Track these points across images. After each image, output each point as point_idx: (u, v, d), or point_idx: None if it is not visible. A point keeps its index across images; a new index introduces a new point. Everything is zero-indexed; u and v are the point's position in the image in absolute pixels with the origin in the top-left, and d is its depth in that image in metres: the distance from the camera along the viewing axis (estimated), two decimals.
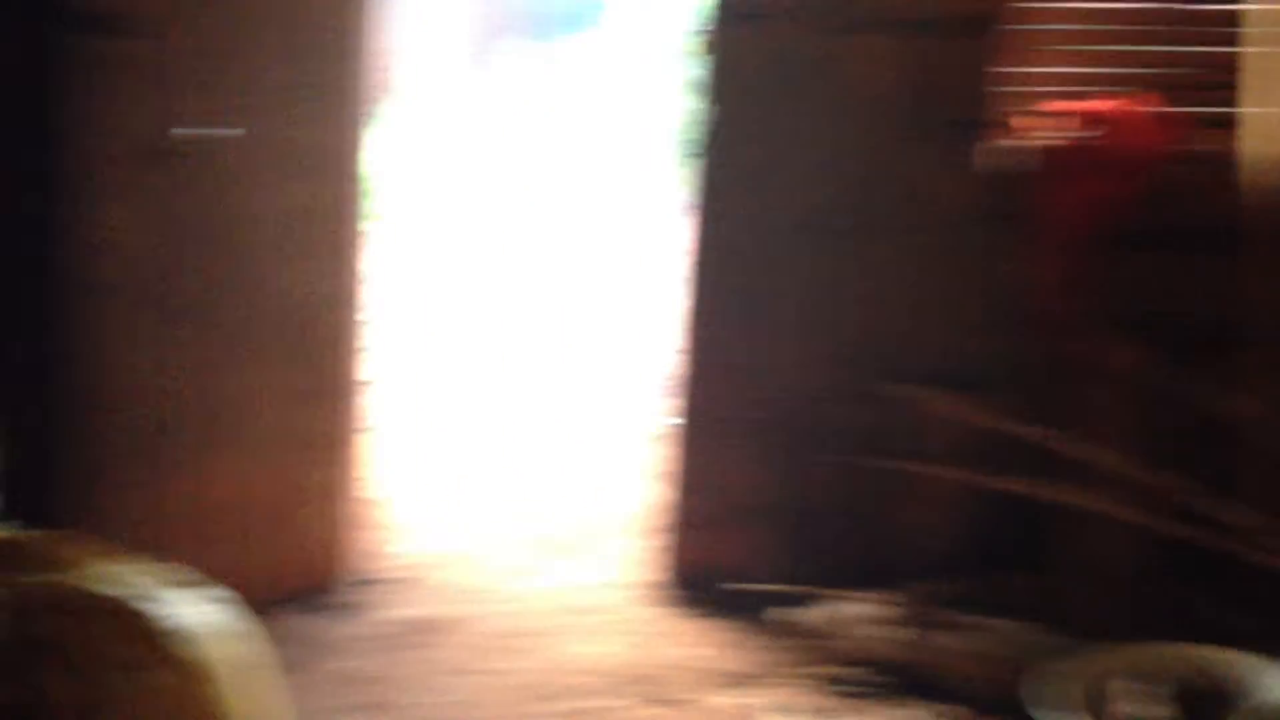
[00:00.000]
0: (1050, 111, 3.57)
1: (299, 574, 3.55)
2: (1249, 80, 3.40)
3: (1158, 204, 3.51)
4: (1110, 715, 2.71)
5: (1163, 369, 3.37)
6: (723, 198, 3.66)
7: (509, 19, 12.06)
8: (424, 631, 3.46)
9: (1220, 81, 3.50)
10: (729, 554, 3.68)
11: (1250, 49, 3.39)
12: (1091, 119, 3.50)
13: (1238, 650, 2.89)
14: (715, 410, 3.70)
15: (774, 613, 3.47)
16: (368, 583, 3.69)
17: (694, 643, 3.45)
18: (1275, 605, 3.12)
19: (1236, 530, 3.12)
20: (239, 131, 3.37)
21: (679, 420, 3.74)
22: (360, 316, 3.67)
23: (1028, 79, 3.66)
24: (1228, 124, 3.47)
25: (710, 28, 3.62)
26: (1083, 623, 3.23)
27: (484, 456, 4.92)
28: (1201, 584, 3.23)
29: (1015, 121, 3.62)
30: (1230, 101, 3.47)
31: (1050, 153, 3.51)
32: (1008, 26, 3.59)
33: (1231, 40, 3.46)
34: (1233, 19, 3.47)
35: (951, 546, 3.54)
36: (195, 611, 1.72)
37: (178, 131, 3.29)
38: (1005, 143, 3.60)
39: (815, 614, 3.44)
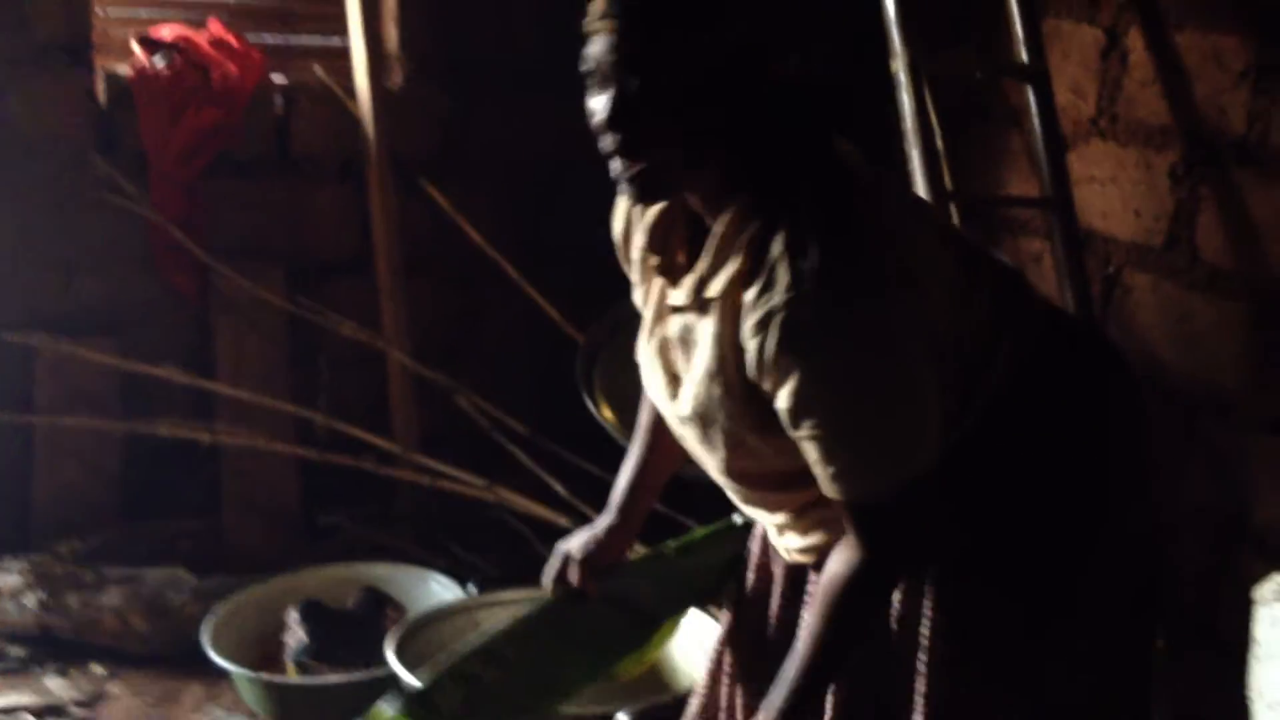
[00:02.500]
0: (149, 38, 3.45)
1: None
2: (352, 12, 3.52)
3: (271, 134, 3.59)
4: (286, 644, 2.83)
5: (292, 298, 3.49)
6: None
7: None
8: None
9: (324, 14, 3.64)
10: None
11: None
12: (173, 46, 3.42)
13: (390, 563, 3.16)
14: None
15: None
16: None
17: None
18: (421, 519, 3.43)
19: (379, 452, 3.36)
20: None
21: None
22: None
23: (133, 2, 3.55)
24: (336, 56, 3.61)
25: None
26: (244, 558, 3.32)
27: None
28: (350, 506, 3.45)
29: (121, 46, 3.46)
30: (336, 33, 3.59)
31: (147, 81, 3.40)
32: None
33: None
34: None
35: (99, 498, 3.41)
36: None
37: None
38: (111, 70, 3.44)
39: None
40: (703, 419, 1.68)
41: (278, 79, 3.62)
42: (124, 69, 3.45)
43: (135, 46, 3.46)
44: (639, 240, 1.76)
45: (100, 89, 3.43)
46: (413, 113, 3.65)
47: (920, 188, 2.71)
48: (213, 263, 3.44)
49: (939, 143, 2.84)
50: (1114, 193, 2.88)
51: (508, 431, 3.38)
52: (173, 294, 3.52)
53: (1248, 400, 2.59)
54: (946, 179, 2.79)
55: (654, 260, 1.73)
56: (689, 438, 1.75)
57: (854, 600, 1.65)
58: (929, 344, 1.56)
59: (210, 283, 3.49)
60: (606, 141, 1.56)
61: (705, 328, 1.63)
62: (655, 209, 1.72)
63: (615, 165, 1.58)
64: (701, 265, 1.62)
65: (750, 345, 1.55)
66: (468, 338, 3.76)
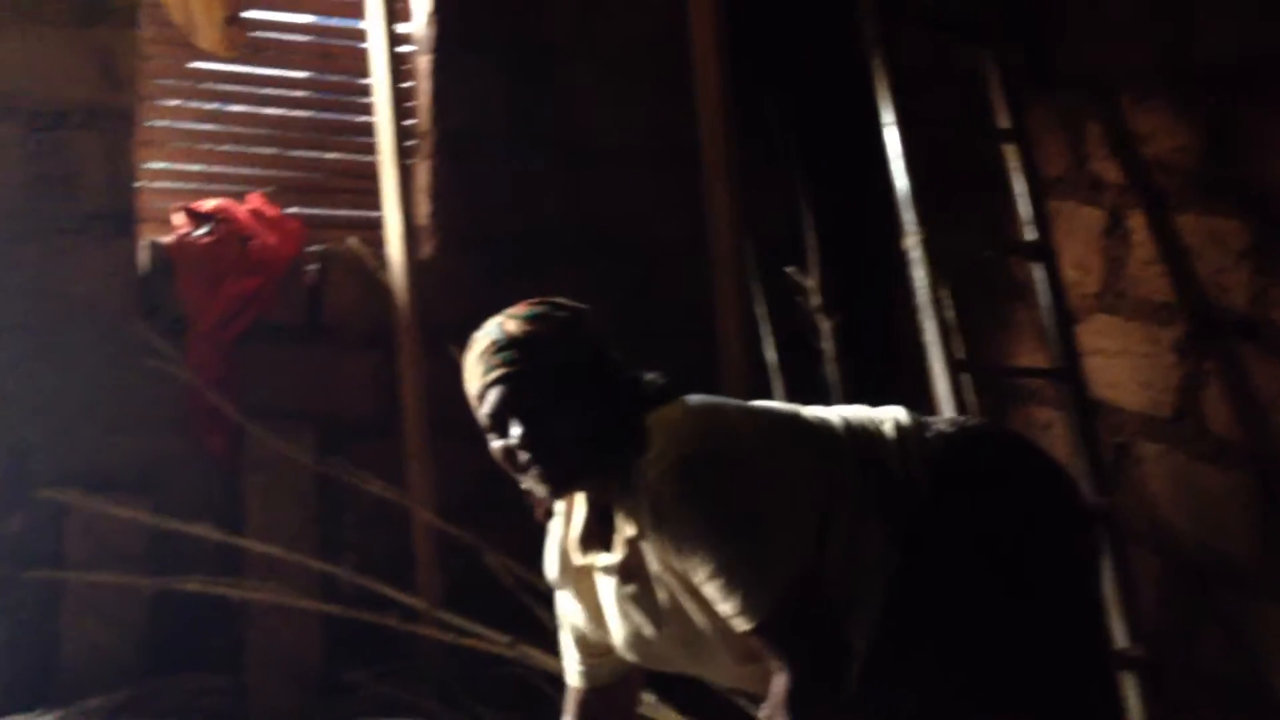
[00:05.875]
0: (192, 209, 3.63)
1: None
2: (382, 187, 3.69)
3: (303, 301, 3.74)
4: None
5: (321, 459, 3.58)
6: None
7: None
8: None
9: (361, 187, 3.82)
10: None
11: (386, 159, 3.70)
12: (214, 217, 3.60)
13: None
14: None
15: None
16: None
17: None
18: (445, 676, 3.45)
19: (405, 609, 3.40)
20: None
21: None
22: None
23: (177, 176, 3.73)
24: (370, 227, 3.78)
25: None
26: (267, 716, 3.34)
27: None
28: (374, 663, 3.47)
29: (164, 217, 3.64)
30: (371, 206, 3.76)
31: (186, 249, 3.57)
32: (151, 123, 3.63)
33: (371, 150, 3.77)
34: (368, 131, 3.78)
35: (126, 653, 3.43)
36: None
37: None
38: (154, 239, 3.59)
39: None
40: (693, 632, 1.94)
41: (313, 249, 3.77)
42: (166, 238, 3.60)
43: (178, 217, 3.62)
44: (573, 555, 2.07)
45: (143, 257, 3.57)
46: (442, 282, 3.79)
47: (934, 358, 2.81)
48: (245, 423, 3.53)
49: (950, 315, 2.95)
50: (1122, 365, 2.97)
51: (531, 589, 3.42)
52: (205, 453, 3.60)
53: (1259, 568, 2.63)
54: (958, 350, 2.89)
55: (587, 553, 2.03)
56: (688, 660, 2.01)
57: (799, 714, 1.82)
58: (773, 492, 1.89)
59: (241, 443, 3.58)
60: (521, 463, 1.93)
61: (650, 562, 1.94)
62: (577, 526, 2.05)
63: (532, 475, 1.94)
64: (619, 523, 1.97)
65: (651, 537, 1.89)
66: (492, 496, 3.82)
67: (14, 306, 3.40)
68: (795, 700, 1.82)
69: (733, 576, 1.84)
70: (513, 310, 1.97)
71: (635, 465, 1.91)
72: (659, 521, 1.88)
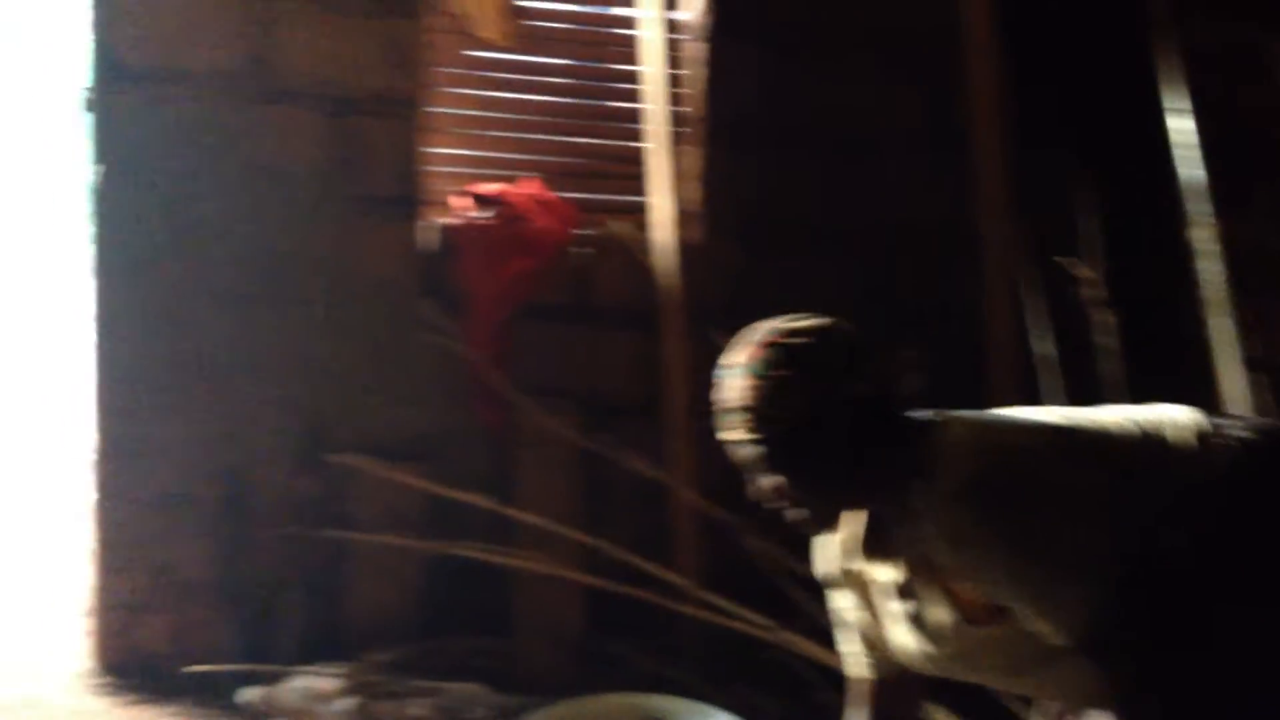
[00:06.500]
0: (471, 193, 3.78)
1: None
2: (650, 172, 3.79)
3: (574, 282, 3.86)
4: None
5: (587, 435, 3.70)
6: (125, 264, 3.51)
7: None
8: None
9: (629, 172, 3.90)
10: (174, 635, 3.54)
11: (652, 145, 3.78)
12: (497, 201, 3.75)
13: (673, 696, 3.24)
14: (139, 485, 3.54)
15: (238, 694, 3.36)
16: None
17: None
18: (704, 654, 3.51)
19: (665, 585, 3.48)
20: None
21: (100, 497, 3.54)
22: None
23: (458, 160, 3.88)
24: (637, 211, 3.86)
25: (92, 86, 3.48)
26: (533, 680, 3.47)
27: None
28: (636, 636, 3.57)
29: (446, 200, 3.80)
30: (638, 191, 3.85)
31: (467, 231, 3.73)
32: (434, 108, 3.79)
33: (637, 136, 3.87)
34: (637, 117, 3.88)
35: (405, 612, 3.64)
36: None
37: None
38: (436, 220, 3.76)
39: (268, 692, 3.36)
40: (972, 648, 1.91)
41: (583, 232, 3.89)
42: (448, 220, 3.77)
43: (461, 201, 3.78)
44: (847, 558, 2.05)
45: (427, 238, 3.75)
46: (707, 266, 3.85)
47: (1223, 356, 2.71)
48: (518, 399, 3.67)
49: (1238, 311, 2.84)
50: None
51: (792, 574, 3.44)
52: (478, 426, 3.76)
53: None
54: (1251, 347, 2.78)
55: (861, 559, 2.01)
56: (966, 670, 1.98)
57: None
58: (1070, 506, 1.82)
59: (514, 418, 3.72)
60: (781, 506, 1.91)
61: (930, 582, 1.91)
62: (852, 528, 2.01)
63: (792, 517, 1.92)
64: (897, 543, 1.94)
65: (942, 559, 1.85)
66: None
67: (311, 282, 3.63)
68: (1124, 714, 1.81)
69: (1044, 596, 1.82)
70: (776, 332, 1.88)
71: (913, 487, 1.88)
72: (956, 545, 1.84)
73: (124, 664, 3.52)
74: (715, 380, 1.92)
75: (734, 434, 1.89)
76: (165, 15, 3.50)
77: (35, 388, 6.35)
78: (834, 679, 2.77)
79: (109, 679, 3.51)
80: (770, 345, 1.87)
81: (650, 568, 3.48)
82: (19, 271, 8.47)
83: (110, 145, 3.49)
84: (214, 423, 3.58)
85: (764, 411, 1.85)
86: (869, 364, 1.89)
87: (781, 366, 1.85)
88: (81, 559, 3.60)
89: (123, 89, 3.47)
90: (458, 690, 3.35)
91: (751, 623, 3.33)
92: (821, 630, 3.27)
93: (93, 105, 3.47)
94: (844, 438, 1.86)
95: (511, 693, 3.35)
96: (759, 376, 1.86)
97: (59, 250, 7.78)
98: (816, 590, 3.37)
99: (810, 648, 3.22)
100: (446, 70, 3.88)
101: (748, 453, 1.88)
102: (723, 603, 3.39)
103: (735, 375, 1.89)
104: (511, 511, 3.58)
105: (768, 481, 1.89)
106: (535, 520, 3.54)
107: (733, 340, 1.94)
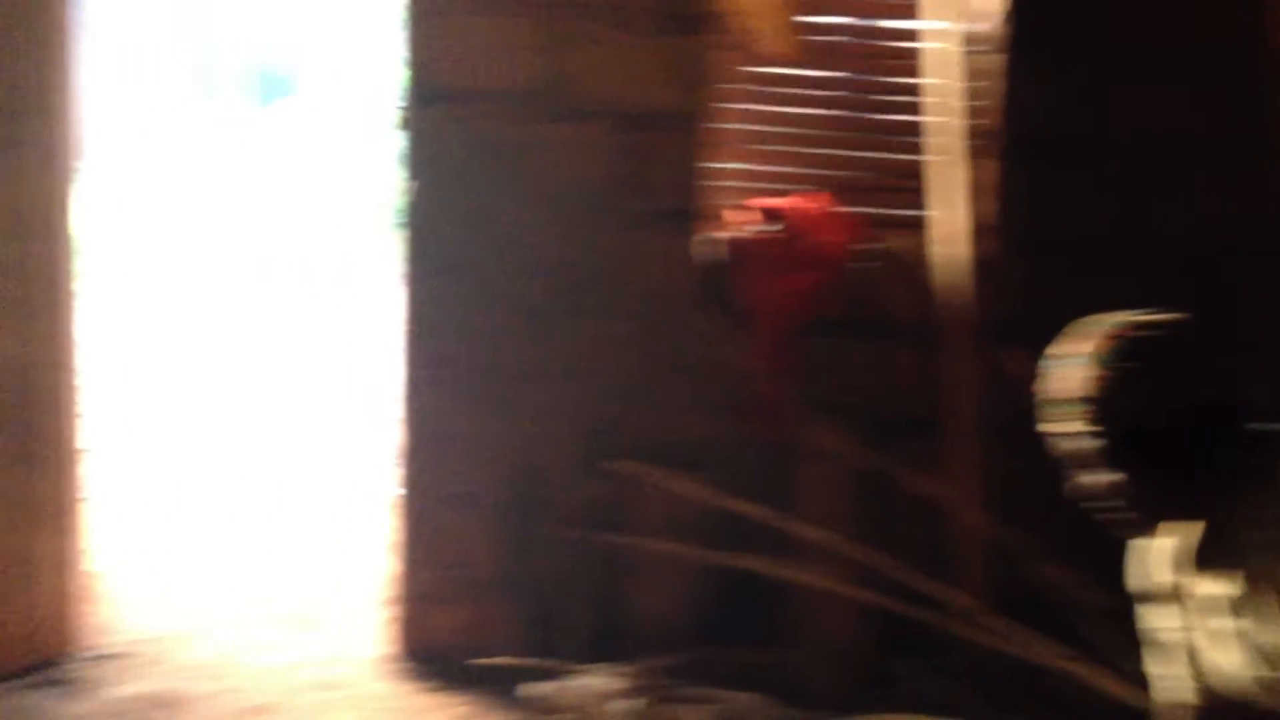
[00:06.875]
0: (752, 206, 3.82)
1: (24, 649, 3.35)
2: (934, 186, 3.74)
3: (856, 296, 3.84)
4: None
5: (865, 451, 3.67)
6: (432, 271, 3.70)
7: (218, 79, 11.82)
8: (158, 708, 3.32)
9: (910, 186, 3.86)
10: (464, 628, 3.72)
11: (933, 158, 3.74)
12: (783, 215, 3.77)
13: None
14: (439, 483, 3.73)
15: (522, 688, 3.50)
16: (98, 658, 3.51)
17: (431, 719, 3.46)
18: (983, 676, 3.44)
19: (947, 606, 3.43)
20: None
21: (404, 492, 3.75)
22: (77, 380, 3.52)
23: (736, 174, 3.92)
24: (918, 225, 3.82)
25: (406, 105, 3.67)
26: (808, 694, 3.47)
27: (213, 526, 4.77)
28: (915, 657, 3.52)
29: (724, 214, 3.85)
30: (919, 205, 3.81)
31: (751, 244, 3.77)
32: (715, 124, 3.83)
33: (917, 150, 3.83)
34: (918, 129, 3.84)
35: (682, 619, 3.71)
36: None
37: None
38: (715, 234, 3.81)
39: (552, 688, 3.50)
40: None
41: (866, 246, 3.87)
42: (730, 233, 3.82)
43: (741, 214, 3.82)
44: (1171, 569, 1.94)
45: (706, 250, 3.81)
46: (997, 283, 3.77)
47: None
48: (800, 413, 3.69)
49: None
50: None
51: (1080, 600, 3.33)
52: (753, 438, 3.79)
53: None
54: None
55: (1190, 571, 1.91)
56: None
57: None
58: None
59: (794, 432, 3.74)
60: (1112, 506, 1.86)
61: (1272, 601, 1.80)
62: (1179, 540, 1.92)
63: (1122, 518, 1.87)
64: (1238, 556, 1.83)
65: None
66: (1048, 501, 3.76)
67: (596, 292, 3.74)
68: None
69: None
70: (1127, 325, 1.87)
71: (1259, 498, 1.81)
72: None
73: (420, 652, 3.72)
74: (1044, 371, 1.88)
75: (1070, 426, 1.84)
76: (472, 39, 3.68)
77: (353, 388, 6.73)
78: (1126, 713, 2.67)
79: (406, 665, 3.71)
80: (1121, 337, 1.84)
81: (932, 588, 3.43)
82: (345, 277, 9.04)
83: (421, 161, 3.70)
84: (506, 427, 3.74)
85: (1110, 404, 1.80)
86: (1218, 367, 1.83)
87: (1131, 359, 1.81)
88: (386, 550, 3.80)
89: (433, 108, 3.67)
90: (736, 700, 3.40)
91: (1036, 649, 3.23)
92: (1111, 661, 3.16)
93: (406, 123, 3.68)
94: (1190, 439, 1.80)
95: (789, 706, 3.37)
96: (1107, 367, 1.82)
97: (376, 261, 8.31)
98: (1103, 618, 3.27)
99: (1100, 678, 3.11)
100: (728, 86, 3.93)
101: (1085, 446, 1.84)
102: (1007, 627, 3.30)
103: (1076, 366, 1.85)
104: (790, 525, 3.59)
105: (1103, 479, 1.84)
106: (814, 534, 3.55)
107: (1070, 333, 1.90)
